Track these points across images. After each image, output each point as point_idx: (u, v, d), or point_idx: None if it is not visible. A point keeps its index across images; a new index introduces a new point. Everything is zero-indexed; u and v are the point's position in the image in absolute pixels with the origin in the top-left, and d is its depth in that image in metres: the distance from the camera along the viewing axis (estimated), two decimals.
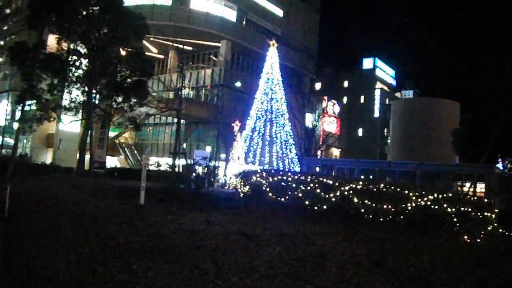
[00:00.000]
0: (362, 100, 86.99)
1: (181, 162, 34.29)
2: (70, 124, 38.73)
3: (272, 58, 38.55)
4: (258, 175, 20.35)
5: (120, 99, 35.77)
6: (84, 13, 34.21)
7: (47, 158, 50.58)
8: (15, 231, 9.52)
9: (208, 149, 49.92)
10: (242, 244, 9.45)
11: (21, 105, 31.51)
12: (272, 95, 37.70)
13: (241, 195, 21.53)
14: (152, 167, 26.94)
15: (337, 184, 16.00)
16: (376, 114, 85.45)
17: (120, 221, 11.39)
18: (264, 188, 19.24)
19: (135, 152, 56.64)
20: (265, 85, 37.83)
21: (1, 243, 8.31)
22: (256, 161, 35.89)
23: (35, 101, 33.79)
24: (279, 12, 63.86)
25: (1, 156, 37.20)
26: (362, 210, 14.76)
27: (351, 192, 15.34)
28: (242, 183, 22.17)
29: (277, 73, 38.27)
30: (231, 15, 57.40)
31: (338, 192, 15.68)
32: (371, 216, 14.49)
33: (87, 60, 34.96)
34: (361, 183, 15.61)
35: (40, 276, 6.49)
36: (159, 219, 12.11)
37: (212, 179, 31.55)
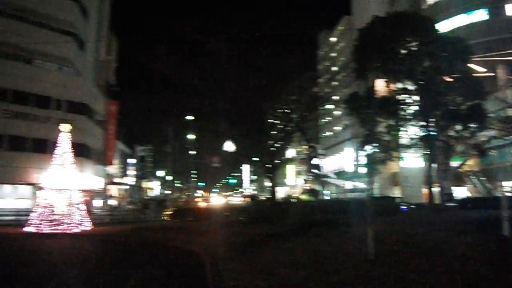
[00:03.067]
0: None
1: None
2: (412, 160, 39.34)
3: None
4: None
5: (458, 127, 34.83)
6: (405, 52, 34.94)
7: (394, 195, 52.29)
8: (382, 274, 9.56)
9: None
10: None
11: (364, 150, 33.53)
12: None
13: None
14: (508, 193, 25.10)
15: None
16: None
17: (485, 257, 10.65)
18: None
19: (483, 179, 53.80)
20: None
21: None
22: None
23: (376, 144, 35.48)
24: None
25: (356, 198, 39.76)
26: None
27: None
28: None
29: None
30: None
31: None
32: None
33: (417, 95, 35.32)
34: None
35: None
36: None
37: None
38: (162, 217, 36.84)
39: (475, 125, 34.44)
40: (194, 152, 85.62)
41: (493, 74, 55.55)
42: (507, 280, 8.30)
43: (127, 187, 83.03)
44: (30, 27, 49.55)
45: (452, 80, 35.69)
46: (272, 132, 36.71)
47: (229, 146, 44.94)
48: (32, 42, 45.61)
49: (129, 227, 30.74)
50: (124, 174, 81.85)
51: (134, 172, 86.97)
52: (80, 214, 27.78)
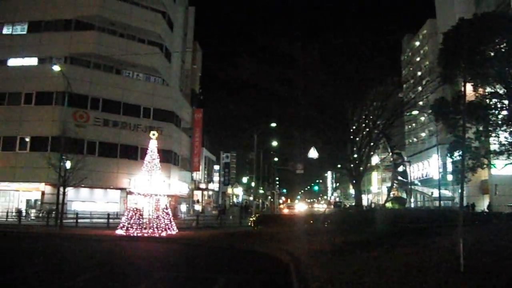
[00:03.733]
0: None
1: None
2: (504, 168, 37.95)
3: None
4: None
5: None
6: (493, 54, 33.90)
7: (484, 204, 50.58)
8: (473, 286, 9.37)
9: None
10: None
11: (452, 156, 32.77)
12: None
13: None
14: None
15: None
16: None
17: None
18: None
19: None
20: None
21: None
22: None
23: (465, 151, 34.58)
24: None
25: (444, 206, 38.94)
26: None
27: None
28: None
29: None
30: None
31: None
32: None
33: (508, 100, 34.15)
34: None
35: None
36: None
37: None
38: (247, 223, 37.41)
39: None
40: (277, 159, 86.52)
41: None
42: None
43: (212, 192, 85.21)
44: (120, 39, 52.50)
45: None
46: (356, 138, 36.61)
47: (312, 153, 45.13)
48: (122, 54, 48.27)
49: (213, 232, 31.60)
50: (210, 180, 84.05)
51: (219, 178, 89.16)
52: (167, 219, 28.87)
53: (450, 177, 55.19)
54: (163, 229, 28.20)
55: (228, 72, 38.56)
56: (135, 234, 27.28)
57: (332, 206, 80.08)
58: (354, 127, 36.49)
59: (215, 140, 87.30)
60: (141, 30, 53.82)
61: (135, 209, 28.33)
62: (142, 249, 22.02)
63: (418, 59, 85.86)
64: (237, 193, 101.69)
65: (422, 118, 62.03)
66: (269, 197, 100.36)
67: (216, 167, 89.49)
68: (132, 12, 52.93)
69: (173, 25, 60.73)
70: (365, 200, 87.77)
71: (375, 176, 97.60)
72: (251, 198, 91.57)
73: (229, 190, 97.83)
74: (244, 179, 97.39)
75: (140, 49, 51.50)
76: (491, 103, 34.38)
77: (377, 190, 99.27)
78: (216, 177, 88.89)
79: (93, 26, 50.69)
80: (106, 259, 17.81)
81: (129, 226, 27.81)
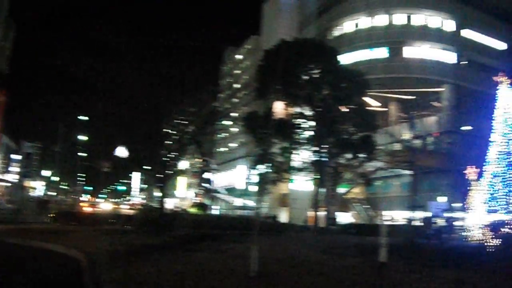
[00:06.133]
0: None
1: (416, 215, 33.07)
2: (302, 183, 40.19)
3: (505, 95, 35.42)
4: (509, 226, 18.50)
5: (348, 155, 36.10)
6: (306, 78, 35.80)
7: (282, 216, 53.29)
8: None
9: (441, 199, 47.40)
10: None
11: (257, 168, 33.80)
12: None
13: (490, 248, 19.68)
14: (387, 222, 26.38)
15: None
16: None
17: (363, 280, 11.12)
18: None
19: (367, 207, 56.30)
20: (502, 126, 34.57)
21: None
22: (500, 209, 32.68)
23: (269, 164, 35.90)
24: (501, 46, 59.84)
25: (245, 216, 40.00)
26: None
27: None
28: (490, 236, 20.32)
29: None
30: (449, 57, 55.47)
31: None
32: None
33: (313, 121, 36.23)
34: None
35: None
36: (403, 278, 11.50)
37: (452, 232, 29.76)
38: (44, 219, 34.80)
39: (364, 155, 35.93)
40: (85, 154, 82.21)
41: (386, 109, 58.74)
42: None
43: (8, 184, 78.16)
44: None
45: (347, 110, 37.09)
46: (167, 142, 35.98)
47: (121, 152, 43.52)
48: None
49: (5, 227, 28.74)
50: (6, 171, 76.95)
51: (18, 169, 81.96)
52: None
53: (254, 188, 57.17)
54: None
55: (45, 58, 35.45)
56: None
57: (137, 208, 78.38)
58: (165, 130, 35.84)
59: (18, 127, 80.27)
60: None
61: None
62: None
63: (238, 72, 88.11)
64: (38, 186, 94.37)
65: (234, 129, 63.87)
66: (72, 193, 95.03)
67: (17, 157, 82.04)
68: None
69: None
70: (171, 204, 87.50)
71: (182, 180, 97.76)
72: (53, 194, 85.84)
73: (29, 183, 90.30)
74: (47, 173, 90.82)
75: None
76: (298, 122, 36.12)
77: (183, 195, 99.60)
78: (15, 168, 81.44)
79: None
80: None
81: None
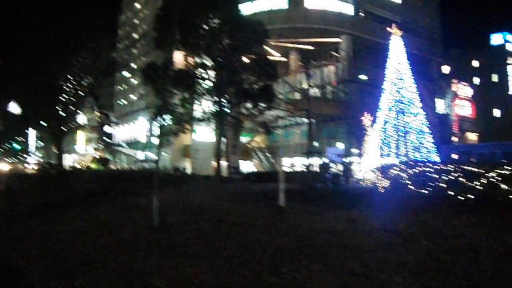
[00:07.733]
0: (495, 79, 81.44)
1: (315, 161, 34.26)
2: (204, 134, 40.24)
3: (397, 46, 37.22)
4: (397, 168, 19.68)
5: (249, 105, 36.47)
6: (206, 27, 35.39)
7: (186, 168, 53.31)
8: (166, 240, 9.82)
9: (340, 146, 49.44)
10: (387, 241, 9.04)
11: (158, 120, 33.33)
12: (401, 84, 36.24)
13: (381, 189, 20.91)
14: (287, 168, 27.17)
15: (482, 171, 14.90)
16: None
17: (262, 224, 11.45)
18: (404, 181, 18.54)
19: (268, 155, 57.58)
20: (393, 75, 36.47)
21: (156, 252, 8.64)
22: (391, 153, 34.77)
23: (170, 116, 35.54)
24: None
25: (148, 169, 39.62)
26: None
27: (498, 178, 14.21)
28: (381, 178, 21.57)
29: (404, 61, 36.77)
30: (348, 9, 56.97)
31: (484, 179, 14.60)
32: None
33: (213, 71, 36.11)
34: (509, 168, 14.37)
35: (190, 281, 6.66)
36: (300, 220, 11.96)
37: (348, 176, 31.23)
38: None
39: (264, 105, 36.48)
40: None
41: (286, 59, 59.59)
42: (277, 243, 8.91)
43: None
44: None
45: (248, 60, 37.25)
46: (62, 95, 34.40)
47: (14, 107, 41.27)
48: None
49: None
50: None
51: None
52: None
53: (155, 140, 56.47)
54: None
55: None
56: None
57: (37, 166, 75.21)
58: (61, 84, 34.22)
59: None
60: None
61: None
62: None
63: (136, 21, 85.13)
64: None
65: (133, 80, 62.18)
66: None
67: None
68: None
69: None
70: (70, 160, 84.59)
71: (81, 136, 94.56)
72: None
73: None
74: None
75: None
76: (198, 73, 35.85)
77: (83, 151, 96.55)
78: None
79: None
80: None
81: None
